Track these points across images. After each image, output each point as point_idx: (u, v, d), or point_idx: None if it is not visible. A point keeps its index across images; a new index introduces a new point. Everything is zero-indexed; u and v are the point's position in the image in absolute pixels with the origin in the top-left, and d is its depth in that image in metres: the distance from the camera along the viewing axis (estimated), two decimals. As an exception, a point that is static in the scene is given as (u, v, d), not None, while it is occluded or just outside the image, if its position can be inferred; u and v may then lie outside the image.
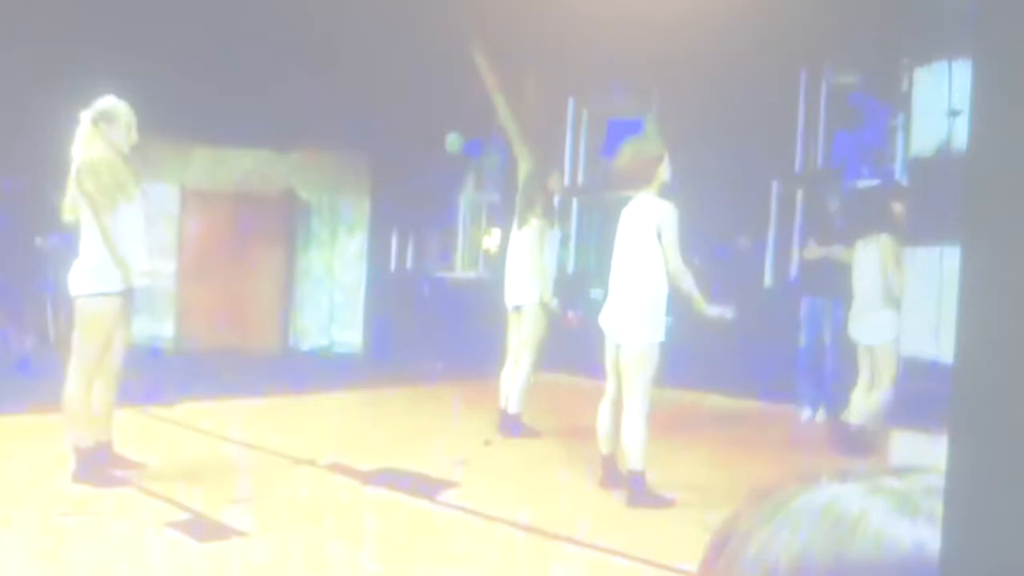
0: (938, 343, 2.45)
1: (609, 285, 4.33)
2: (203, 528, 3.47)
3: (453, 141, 8.71)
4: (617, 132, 8.42)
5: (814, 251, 6.12)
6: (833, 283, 5.85)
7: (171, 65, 6.92)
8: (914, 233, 2.76)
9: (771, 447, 5.41)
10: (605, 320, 4.24)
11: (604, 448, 4.33)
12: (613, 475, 4.30)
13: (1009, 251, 0.35)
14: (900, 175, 6.36)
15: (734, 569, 0.46)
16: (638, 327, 4.08)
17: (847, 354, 5.64)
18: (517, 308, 5.58)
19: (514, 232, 5.74)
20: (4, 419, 4.99)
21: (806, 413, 6.24)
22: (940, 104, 2.62)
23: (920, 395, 2.43)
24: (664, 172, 4.29)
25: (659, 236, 4.11)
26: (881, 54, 5.88)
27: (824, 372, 6.13)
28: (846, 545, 0.42)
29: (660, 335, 4.10)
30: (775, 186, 6.95)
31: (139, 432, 4.51)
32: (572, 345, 6.09)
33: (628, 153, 4.44)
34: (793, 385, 6.31)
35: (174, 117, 7.45)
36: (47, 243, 7.52)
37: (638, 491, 3.98)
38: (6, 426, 4.90)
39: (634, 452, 4.01)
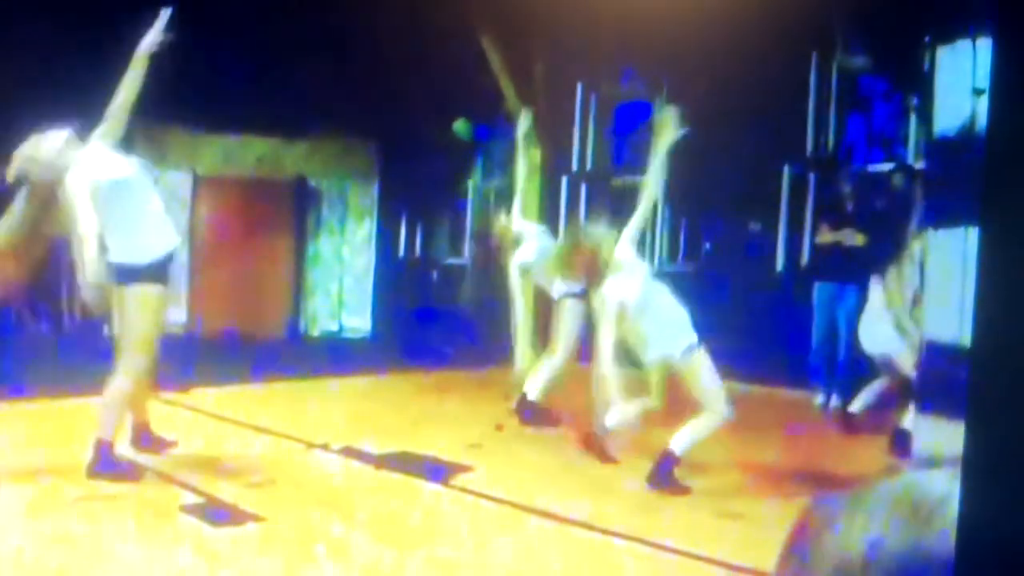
0: (961, 327, 2.42)
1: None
2: (218, 513, 3.48)
3: (461, 127, 8.67)
4: (626, 117, 8.38)
5: (826, 235, 6.08)
6: (845, 267, 5.81)
7: (183, 54, 6.90)
8: (937, 215, 2.72)
9: (784, 433, 5.39)
10: (652, 349, 4.08)
11: (602, 414, 4.33)
12: (595, 440, 4.33)
13: None
14: (912, 158, 6.31)
15: (812, 559, 0.46)
16: (682, 337, 4.02)
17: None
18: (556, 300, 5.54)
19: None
20: (21, 403, 5.01)
21: (820, 398, 6.22)
22: (963, 84, 2.59)
23: (943, 380, 2.41)
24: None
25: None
26: (897, 35, 5.81)
27: (837, 357, 6.11)
28: (924, 530, 0.42)
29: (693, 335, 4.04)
30: (786, 170, 6.90)
31: (152, 418, 4.51)
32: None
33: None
34: (806, 370, 6.29)
35: (186, 105, 7.43)
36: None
37: (663, 472, 3.97)
38: (24, 410, 4.92)
39: (685, 439, 3.97)
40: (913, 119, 6.32)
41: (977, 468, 0.35)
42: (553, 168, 8.10)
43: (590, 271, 4.12)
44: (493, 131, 8.95)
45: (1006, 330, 0.35)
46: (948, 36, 2.71)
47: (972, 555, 0.35)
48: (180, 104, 7.30)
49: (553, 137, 8.02)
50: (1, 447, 4.20)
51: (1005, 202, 0.35)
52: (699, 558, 3.12)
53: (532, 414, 5.36)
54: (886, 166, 6.40)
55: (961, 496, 0.36)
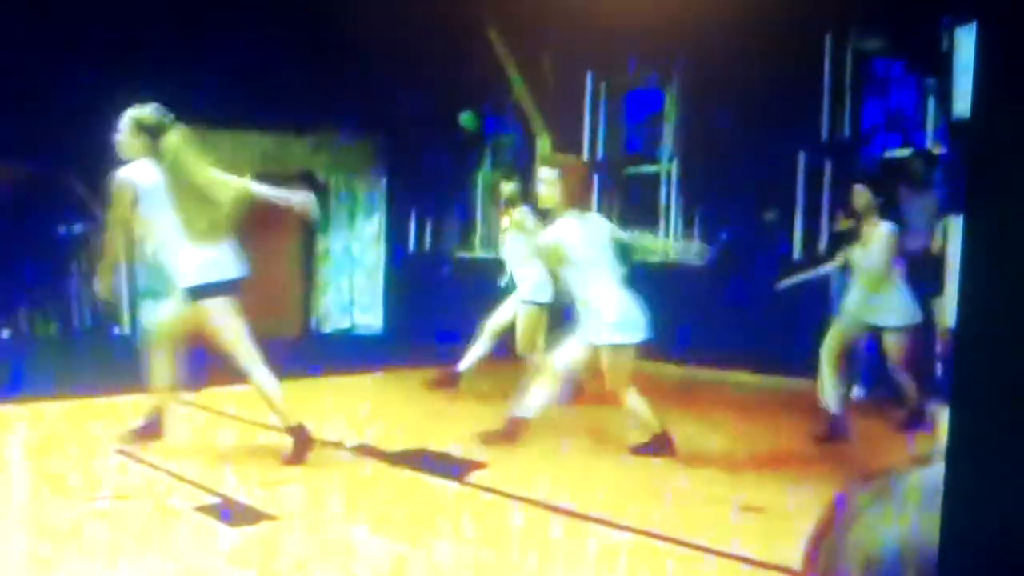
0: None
1: (595, 300, 4.36)
2: (233, 512, 3.47)
3: (468, 119, 8.61)
4: (637, 105, 8.29)
5: (844, 223, 5.99)
6: (864, 255, 5.72)
7: (188, 49, 6.88)
8: (956, 200, 2.65)
9: (801, 425, 5.32)
10: (620, 330, 4.31)
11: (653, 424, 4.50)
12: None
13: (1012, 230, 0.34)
14: (931, 142, 6.21)
15: (839, 552, 0.44)
16: (642, 324, 4.37)
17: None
18: None
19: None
20: (36, 404, 5.01)
21: (841, 389, 6.13)
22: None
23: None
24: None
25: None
26: (915, 15, 5.70)
27: (856, 347, 6.02)
28: None
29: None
30: (802, 157, 6.81)
31: (166, 418, 4.50)
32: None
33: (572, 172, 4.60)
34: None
35: (191, 102, 7.42)
36: (70, 231, 7.54)
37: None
38: (37, 411, 4.92)
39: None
40: (932, 102, 6.21)
41: (961, 459, 0.35)
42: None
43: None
44: (501, 122, 8.89)
45: (991, 320, 0.34)
46: (967, 15, 2.63)
47: (956, 546, 0.35)
48: (185, 101, 7.30)
49: (563, 127, 7.95)
50: (16, 448, 4.21)
51: (990, 192, 0.35)
52: (721, 554, 3.07)
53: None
54: (904, 151, 6.30)
55: (945, 487, 0.35)
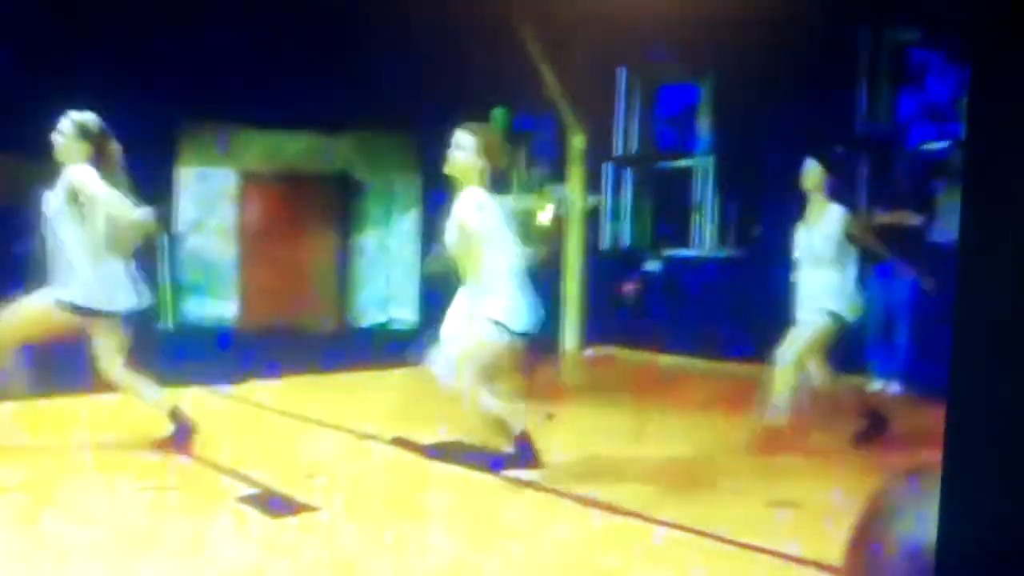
0: None
1: (504, 278, 4.05)
2: (274, 504, 3.55)
3: (500, 116, 8.63)
4: (670, 99, 8.25)
5: (880, 217, 5.92)
6: (901, 250, 5.65)
7: (224, 51, 7.01)
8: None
9: (835, 420, 5.28)
10: (528, 313, 4.01)
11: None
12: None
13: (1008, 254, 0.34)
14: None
15: (882, 548, 0.44)
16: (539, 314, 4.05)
17: (920, 323, 5.46)
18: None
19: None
20: (76, 397, 5.16)
21: (876, 384, 6.07)
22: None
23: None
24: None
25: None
26: (950, 6, 5.60)
27: (895, 342, 5.96)
28: None
29: None
30: (837, 150, 6.72)
31: (207, 411, 4.62)
32: (628, 319, 6.03)
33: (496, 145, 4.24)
34: (861, 355, 6.14)
35: (229, 103, 7.56)
36: None
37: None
38: (80, 404, 5.07)
39: None
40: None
41: (960, 459, 0.36)
42: (596, 154, 8.02)
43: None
44: (533, 119, 8.90)
45: (989, 320, 0.34)
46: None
47: (955, 545, 0.35)
48: (223, 101, 7.44)
49: (596, 122, 7.94)
50: (61, 440, 4.35)
51: (989, 192, 0.35)
52: (757, 549, 3.07)
53: None
54: (941, 144, 6.20)
55: (944, 487, 0.35)
